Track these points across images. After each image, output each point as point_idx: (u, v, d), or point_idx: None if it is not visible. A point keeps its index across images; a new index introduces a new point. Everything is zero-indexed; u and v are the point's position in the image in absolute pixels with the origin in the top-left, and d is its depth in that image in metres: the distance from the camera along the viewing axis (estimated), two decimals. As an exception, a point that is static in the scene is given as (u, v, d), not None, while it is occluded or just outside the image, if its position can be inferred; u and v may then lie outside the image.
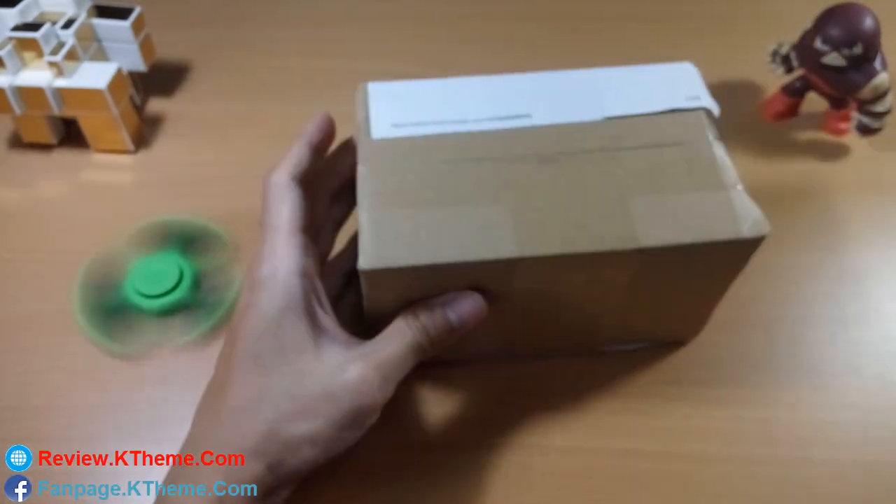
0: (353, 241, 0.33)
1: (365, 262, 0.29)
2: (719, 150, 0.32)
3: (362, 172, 0.31)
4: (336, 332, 0.30)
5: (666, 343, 0.40)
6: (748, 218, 0.30)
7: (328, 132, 0.34)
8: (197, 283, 0.41)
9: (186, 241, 0.43)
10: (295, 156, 0.33)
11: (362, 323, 0.33)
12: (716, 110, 0.34)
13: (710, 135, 0.33)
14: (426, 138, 0.32)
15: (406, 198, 0.30)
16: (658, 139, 0.32)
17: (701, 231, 0.30)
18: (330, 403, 0.28)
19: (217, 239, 0.44)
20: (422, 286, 0.30)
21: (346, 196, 0.35)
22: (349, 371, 0.28)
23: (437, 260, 0.29)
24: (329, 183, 0.35)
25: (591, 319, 0.35)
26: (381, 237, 0.29)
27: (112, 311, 0.40)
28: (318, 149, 0.34)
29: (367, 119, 0.33)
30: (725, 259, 0.32)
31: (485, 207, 0.30)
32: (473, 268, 0.29)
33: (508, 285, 0.31)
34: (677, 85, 0.35)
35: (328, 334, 0.30)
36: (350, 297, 0.36)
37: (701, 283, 0.34)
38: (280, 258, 0.30)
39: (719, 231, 0.30)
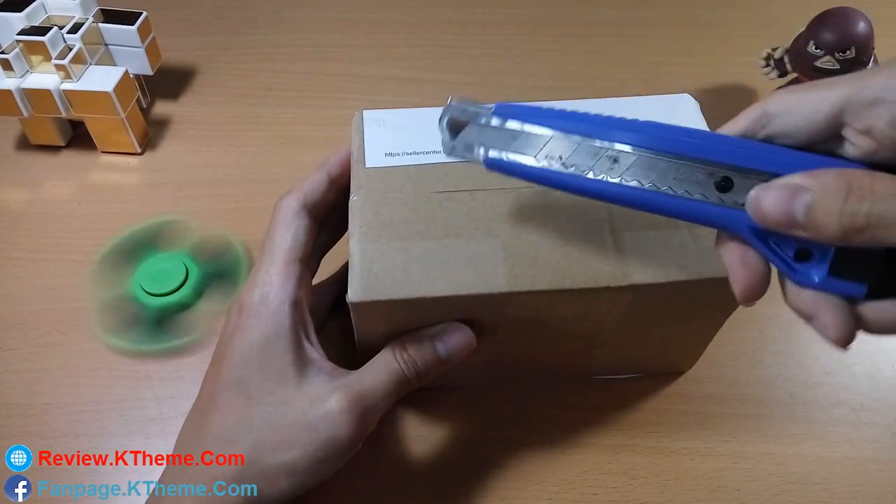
0: (345, 269, 0.33)
1: (354, 294, 0.29)
2: None
3: (355, 202, 0.31)
4: (322, 363, 0.30)
5: (660, 374, 0.39)
6: None
7: (349, 167, 0.33)
8: (203, 282, 0.42)
9: (152, 238, 0.45)
10: (311, 184, 0.32)
11: (349, 351, 0.34)
12: None
13: None
14: (419, 168, 0.32)
15: (398, 229, 0.30)
16: None
17: (695, 269, 0.29)
18: (309, 434, 0.28)
19: (183, 224, 0.46)
20: (411, 318, 0.30)
21: (332, 221, 0.35)
22: (329, 402, 0.28)
23: (426, 293, 0.29)
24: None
25: (582, 352, 0.35)
26: (371, 269, 0.29)
27: (155, 322, 0.41)
28: (336, 182, 0.33)
29: (361, 147, 0.33)
30: (720, 296, 0.31)
31: (477, 240, 0.30)
32: (464, 301, 0.29)
33: (499, 318, 0.31)
34: (675, 117, 0.34)
35: (314, 365, 0.29)
36: (336, 326, 0.36)
37: (695, 319, 0.34)
38: (273, 286, 0.30)
39: (714, 269, 0.29)
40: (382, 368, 0.30)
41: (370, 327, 0.31)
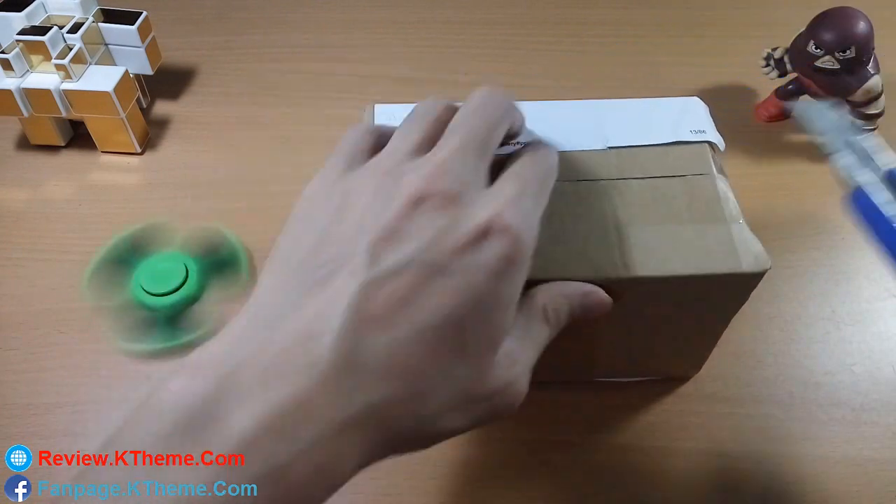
0: None
1: None
2: (722, 184, 0.32)
3: None
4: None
5: (665, 378, 0.39)
6: (749, 252, 0.29)
7: None
8: (204, 279, 0.42)
9: (143, 243, 0.44)
10: None
11: None
12: (721, 145, 0.33)
13: (714, 168, 0.32)
14: None
15: None
16: (660, 171, 0.32)
17: (699, 263, 0.29)
18: (487, 401, 0.24)
19: (218, 235, 0.45)
20: None
21: None
22: (514, 370, 0.25)
23: None
24: None
25: (585, 349, 0.35)
26: None
27: (123, 312, 0.41)
28: None
29: None
30: (724, 293, 0.32)
31: None
32: None
33: None
34: (683, 118, 0.34)
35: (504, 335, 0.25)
36: None
37: (699, 318, 0.34)
38: None
39: (718, 264, 0.29)
40: (539, 337, 0.26)
41: None
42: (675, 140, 0.33)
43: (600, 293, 0.29)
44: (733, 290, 0.31)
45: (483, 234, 0.23)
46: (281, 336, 0.21)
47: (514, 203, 0.24)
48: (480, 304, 0.23)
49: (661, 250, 0.30)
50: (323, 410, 0.20)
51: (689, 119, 0.34)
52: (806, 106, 0.30)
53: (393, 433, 0.22)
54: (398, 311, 0.22)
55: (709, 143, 0.33)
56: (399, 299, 0.22)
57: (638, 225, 0.30)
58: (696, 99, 0.35)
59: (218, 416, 0.20)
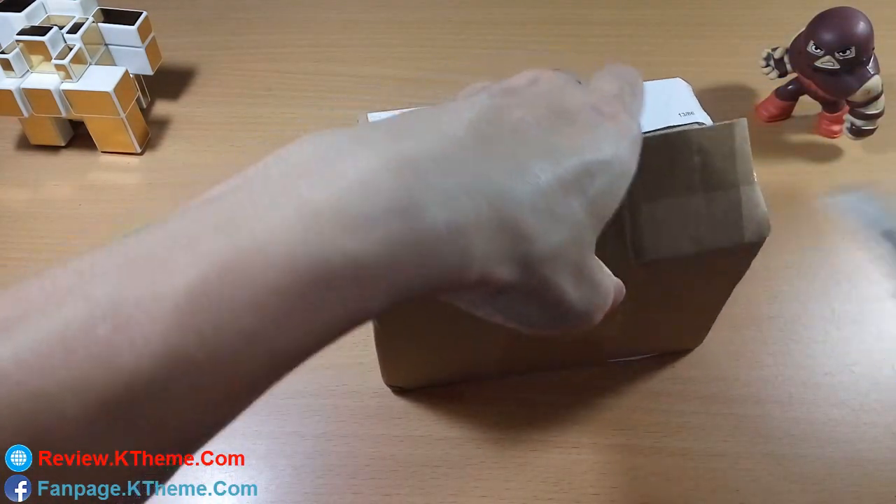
0: None
1: None
2: (740, 139, 0.32)
3: None
4: None
5: (669, 353, 0.40)
6: (752, 220, 0.30)
7: None
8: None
9: None
10: None
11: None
12: (709, 123, 0.33)
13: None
14: None
15: None
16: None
17: (706, 239, 0.30)
18: (591, 278, 0.22)
19: None
20: (424, 305, 0.31)
21: None
22: (609, 280, 0.23)
23: None
24: None
25: (594, 334, 0.35)
26: None
27: None
28: None
29: None
30: (727, 263, 0.32)
31: None
32: None
33: None
34: (670, 102, 0.34)
35: None
36: None
37: (703, 290, 0.34)
38: None
39: (724, 238, 0.30)
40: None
41: (386, 317, 0.31)
42: (665, 125, 0.33)
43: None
44: (736, 258, 0.32)
45: (596, 108, 0.22)
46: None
47: (617, 98, 0.24)
48: (602, 160, 0.21)
49: (672, 227, 0.30)
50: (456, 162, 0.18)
51: (676, 102, 0.34)
52: (851, 201, 0.30)
53: (509, 200, 0.18)
54: (518, 133, 0.20)
55: (698, 123, 0.33)
56: (519, 120, 0.21)
57: (650, 201, 0.30)
58: (678, 80, 0.35)
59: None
